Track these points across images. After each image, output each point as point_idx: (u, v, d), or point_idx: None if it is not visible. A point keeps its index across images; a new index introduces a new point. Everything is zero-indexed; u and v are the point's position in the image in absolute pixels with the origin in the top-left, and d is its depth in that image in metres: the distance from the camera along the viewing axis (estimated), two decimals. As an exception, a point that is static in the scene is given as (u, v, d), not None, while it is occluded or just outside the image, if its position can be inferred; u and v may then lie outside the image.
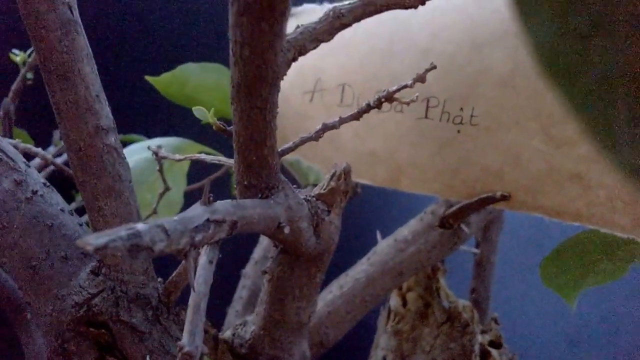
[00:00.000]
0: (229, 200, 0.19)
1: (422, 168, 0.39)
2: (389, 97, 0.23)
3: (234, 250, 0.46)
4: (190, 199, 0.47)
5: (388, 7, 0.19)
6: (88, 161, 0.23)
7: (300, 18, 0.48)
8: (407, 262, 0.40)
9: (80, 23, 0.23)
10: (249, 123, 0.20)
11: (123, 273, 0.24)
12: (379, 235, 0.43)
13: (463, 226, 0.39)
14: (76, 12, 0.23)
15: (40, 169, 0.45)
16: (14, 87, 0.51)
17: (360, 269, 0.41)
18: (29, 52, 0.48)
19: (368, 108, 0.24)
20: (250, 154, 0.22)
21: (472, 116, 0.36)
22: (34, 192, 0.24)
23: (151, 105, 0.59)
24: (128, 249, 0.12)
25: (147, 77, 0.49)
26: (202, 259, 0.18)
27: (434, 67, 0.25)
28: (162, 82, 0.50)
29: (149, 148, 0.36)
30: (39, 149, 0.39)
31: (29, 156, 0.33)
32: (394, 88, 0.23)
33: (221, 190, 0.45)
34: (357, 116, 0.24)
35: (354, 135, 0.44)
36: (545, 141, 0.32)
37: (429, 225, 0.40)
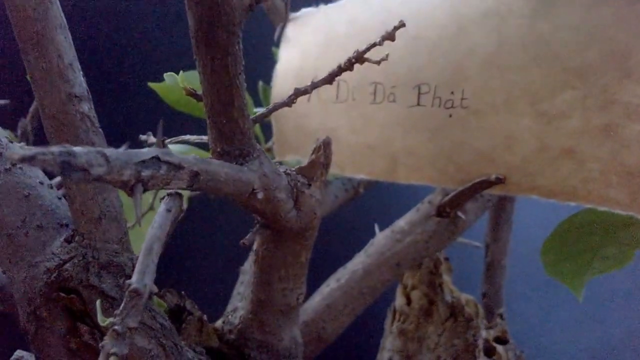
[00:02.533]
0: (192, 155, 0.19)
1: (417, 156, 0.38)
2: (359, 58, 0.23)
3: (233, 247, 0.46)
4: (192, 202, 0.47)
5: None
6: (61, 128, 0.23)
7: (300, 22, 0.48)
8: (404, 253, 0.40)
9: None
10: (213, 79, 0.20)
11: (96, 241, 0.24)
12: (377, 229, 0.43)
13: (460, 214, 0.39)
14: (49, -16, 0.23)
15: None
16: (32, 108, 0.52)
17: (357, 261, 0.41)
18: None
19: (339, 70, 0.24)
20: (220, 117, 0.22)
21: (462, 99, 0.35)
22: (13, 164, 0.24)
23: (153, 111, 0.60)
24: (60, 164, 0.12)
25: (150, 84, 0.49)
26: (161, 207, 0.17)
27: (403, 25, 0.25)
28: (165, 88, 0.50)
29: (143, 140, 0.36)
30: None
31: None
32: (363, 48, 0.23)
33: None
34: (329, 79, 0.24)
35: (350, 130, 0.44)
36: (535, 118, 0.32)
37: (426, 215, 0.40)
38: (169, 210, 0.17)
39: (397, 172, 0.40)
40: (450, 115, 0.36)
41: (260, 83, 0.52)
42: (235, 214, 0.60)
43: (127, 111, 0.65)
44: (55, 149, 0.13)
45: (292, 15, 0.47)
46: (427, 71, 0.36)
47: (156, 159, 0.16)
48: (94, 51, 0.60)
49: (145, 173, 0.15)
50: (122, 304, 0.15)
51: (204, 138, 0.29)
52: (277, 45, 0.48)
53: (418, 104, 0.38)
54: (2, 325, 0.43)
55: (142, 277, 0.15)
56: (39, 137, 0.51)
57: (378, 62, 0.24)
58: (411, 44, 0.38)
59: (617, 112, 0.29)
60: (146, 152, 0.16)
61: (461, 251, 0.50)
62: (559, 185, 0.31)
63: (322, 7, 0.46)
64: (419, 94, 0.38)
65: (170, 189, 0.17)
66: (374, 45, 0.24)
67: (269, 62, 0.48)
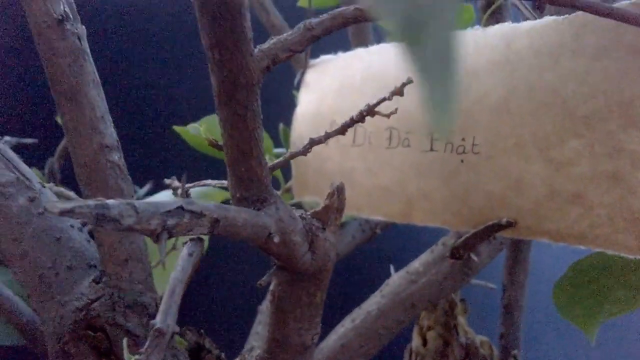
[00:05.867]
0: (212, 202, 0.21)
1: (431, 199, 0.39)
2: (370, 111, 0.25)
3: (252, 286, 0.47)
4: (212, 239, 0.48)
5: (355, 20, 0.21)
6: (92, 175, 0.25)
7: (318, 68, 0.50)
8: (419, 294, 0.40)
9: (89, 52, 0.25)
10: (233, 132, 0.21)
11: (122, 281, 0.25)
12: (392, 269, 0.44)
13: (473, 256, 0.39)
14: (84, 42, 0.25)
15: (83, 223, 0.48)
16: (59, 147, 0.55)
17: (372, 302, 0.41)
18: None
19: (352, 122, 0.25)
20: (239, 166, 0.23)
21: (473, 145, 0.36)
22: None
23: (177, 153, 0.62)
24: (95, 216, 0.14)
25: (175, 127, 0.52)
26: (184, 251, 0.19)
27: (411, 81, 0.26)
28: (188, 132, 0.53)
29: (168, 184, 0.38)
30: (76, 196, 0.42)
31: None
32: (374, 102, 0.25)
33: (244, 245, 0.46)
34: (342, 130, 0.25)
35: (367, 173, 0.45)
36: (545, 164, 0.33)
37: (440, 257, 0.40)
38: (190, 255, 0.19)
39: (412, 214, 0.41)
40: (462, 161, 0.37)
41: (281, 125, 0.54)
42: (253, 254, 0.62)
43: (152, 153, 0.67)
44: (90, 202, 0.14)
45: (312, 61, 0.49)
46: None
47: (180, 208, 0.17)
48: (121, 97, 0.63)
49: (171, 222, 0.17)
50: (147, 343, 0.17)
51: (224, 182, 0.30)
52: (298, 89, 0.50)
53: (432, 150, 0.39)
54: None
55: (165, 317, 0.16)
56: (65, 175, 0.54)
57: (388, 116, 0.25)
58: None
59: (624, 160, 0.30)
60: (171, 203, 0.17)
61: (479, 291, 0.50)
62: (568, 230, 0.32)
63: (340, 55, 0.48)
64: (432, 139, 0.39)
65: (192, 234, 0.19)
66: (383, 99, 0.25)
67: (290, 105, 0.50)
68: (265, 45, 0.21)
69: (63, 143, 0.55)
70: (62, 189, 0.43)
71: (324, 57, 0.50)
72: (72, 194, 0.42)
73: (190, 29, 0.71)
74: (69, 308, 0.25)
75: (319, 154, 0.49)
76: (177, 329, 0.16)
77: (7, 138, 0.28)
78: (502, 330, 0.55)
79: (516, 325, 0.55)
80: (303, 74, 0.49)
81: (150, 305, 0.26)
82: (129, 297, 0.25)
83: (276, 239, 0.24)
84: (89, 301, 0.25)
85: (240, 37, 0.17)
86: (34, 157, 0.30)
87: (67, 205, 0.13)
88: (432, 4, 0.06)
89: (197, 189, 0.51)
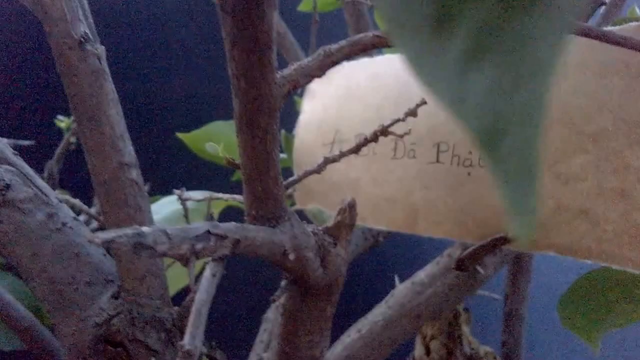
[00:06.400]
0: (232, 222, 0.21)
1: (437, 210, 0.40)
2: (384, 132, 0.25)
3: (256, 295, 0.47)
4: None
5: (374, 46, 0.22)
6: (112, 193, 0.26)
7: (323, 77, 0.50)
8: (425, 305, 0.41)
9: (108, 72, 0.26)
10: (252, 153, 0.22)
11: (140, 297, 0.26)
12: (397, 280, 0.44)
13: (478, 268, 0.40)
14: (104, 62, 0.26)
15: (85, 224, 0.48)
16: (58, 150, 0.55)
17: (378, 312, 0.42)
18: (73, 117, 0.52)
19: (365, 142, 0.26)
20: (256, 185, 0.24)
21: (480, 158, 0.37)
22: (64, 224, 0.26)
23: (180, 160, 0.63)
24: (133, 245, 0.14)
25: (178, 134, 0.52)
26: (207, 272, 0.19)
27: (425, 103, 0.27)
28: (192, 138, 0.53)
29: (174, 192, 0.39)
30: (84, 205, 0.42)
31: (75, 212, 0.36)
32: (388, 123, 0.25)
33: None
34: (355, 150, 0.26)
35: (371, 182, 0.46)
36: (552, 179, 0.33)
37: (446, 268, 0.41)
38: (214, 275, 0.19)
39: (417, 224, 0.42)
40: (469, 174, 0.37)
41: (283, 131, 0.54)
42: (258, 262, 0.62)
43: (155, 160, 0.68)
44: (128, 231, 0.14)
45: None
46: (446, 130, 0.38)
47: (207, 232, 0.18)
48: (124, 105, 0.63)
49: (198, 246, 0.17)
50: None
51: (237, 197, 0.31)
52: (301, 95, 0.51)
53: (437, 161, 0.39)
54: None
55: (193, 339, 0.17)
56: (63, 178, 0.54)
57: (401, 136, 0.26)
58: (432, 103, 0.40)
59: (630, 177, 0.30)
60: (199, 227, 0.18)
61: (480, 299, 0.51)
62: (574, 244, 0.32)
63: (345, 64, 0.49)
64: (438, 151, 0.39)
65: (215, 255, 0.19)
66: (397, 120, 0.26)
67: (291, 111, 0.51)
68: (286, 72, 0.21)
69: (62, 146, 0.55)
70: (67, 197, 0.44)
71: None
72: (77, 201, 0.43)
73: (193, 34, 0.72)
74: (88, 323, 0.25)
75: (324, 164, 0.50)
76: (205, 350, 0.17)
77: (4, 140, 0.28)
78: (504, 338, 0.56)
79: (518, 334, 0.55)
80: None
81: (167, 321, 0.26)
82: (147, 312, 0.26)
83: (291, 257, 0.25)
84: (109, 317, 0.25)
85: (267, 67, 0.17)
86: (32, 159, 0.30)
87: (108, 236, 0.14)
88: (515, 112, 0.06)
89: (193, 193, 0.52)
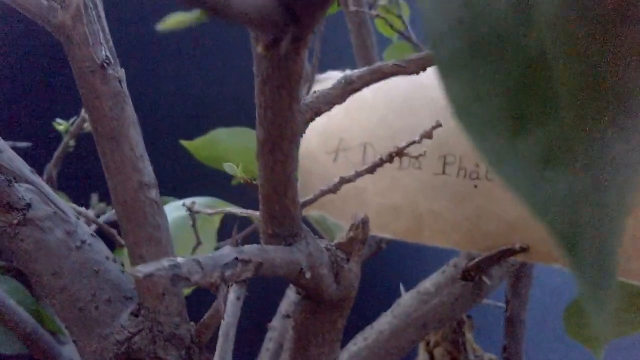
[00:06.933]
0: (254, 245, 0.22)
1: (442, 220, 0.40)
2: (400, 153, 0.26)
3: (261, 303, 0.47)
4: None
5: (393, 74, 0.22)
6: (132, 212, 0.26)
7: (326, 84, 0.51)
8: (431, 314, 0.41)
9: (128, 94, 0.26)
10: (272, 175, 0.22)
11: (160, 314, 0.26)
12: (402, 289, 0.45)
13: (484, 278, 0.41)
14: (124, 85, 0.26)
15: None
16: (56, 153, 0.55)
17: (384, 321, 0.42)
18: (71, 121, 0.52)
19: (381, 162, 0.26)
20: (274, 205, 0.24)
21: (487, 171, 0.37)
22: (83, 242, 0.27)
23: (184, 167, 0.63)
24: (170, 277, 0.15)
25: (182, 141, 0.53)
26: (231, 296, 0.20)
27: (440, 125, 0.27)
28: (195, 145, 0.54)
29: (183, 204, 0.39)
30: (83, 209, 0.42)
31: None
32: (404, 144, 0.26)
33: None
34: (371, 170, 0.26)
35: (376, 191, 0.46)
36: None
37: (451, 278, 0.41)
38: (238, 299, 0.20)
39: (422, 234, 0.42)
40: (476, 186, 0.38)
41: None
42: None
43: (159, 166, 0.68)
44: (165, 263, 0.15)
45: (319, 76, 0.50)
46: (453, 142, 0.39)
47: (235, 259, 0.18)
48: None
49: (227, 273, 0.18)
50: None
51: (249, 212, 0.31)
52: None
53: (443, 173, 0.40)
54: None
55: (221, 363, 0.17)
56: (60, 181, 0.54)
57: (417, 157, 0.26)
58: (439, 114, 0.40)
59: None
60: (227, 255, 0.18)
61: (480, 305, 0.51)
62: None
63: (348, 72, 0.49)
64: (445, 163, 0.40)
65: (239, 279, 0.20)
66: (413, 142, 0.26)
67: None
68: (309, 99, 0.22)
69: (60, 149, 0.55)
70: (74, 205, 0.44)
71: (331, 73, 0.51)
72: (83, 209, 0.43)
73: (196, 38, 0.72)
74: (109, 341, 0.26)
75: (327, 172, 0.50)
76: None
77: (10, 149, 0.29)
78: (505, 343, 0.56)
79: (519, 338, 0.56)
80: (309, 89, 0.50)
81: (186, 337, 0.27)
82: (167, 329, 0.26)
83: (307, 275, 0.25)
84: (130, 335, 0.26)
85: (294, 100, 0.18)
86: (27, 161, 0.30)
87: (147, 270, 0.14)
88: (594, 215, 0.07)
89: (198, 199, 0.52)
